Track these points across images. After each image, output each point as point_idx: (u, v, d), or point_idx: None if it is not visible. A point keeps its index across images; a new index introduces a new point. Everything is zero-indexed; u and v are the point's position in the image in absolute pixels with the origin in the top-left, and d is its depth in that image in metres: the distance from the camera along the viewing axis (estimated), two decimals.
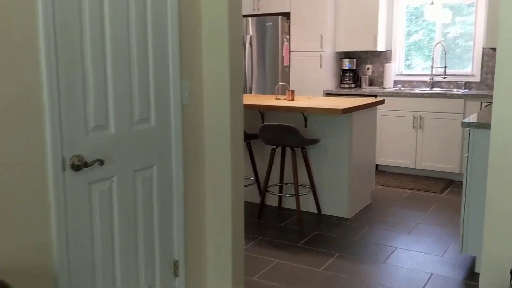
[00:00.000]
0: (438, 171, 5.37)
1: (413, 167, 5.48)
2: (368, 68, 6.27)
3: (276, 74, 5.96)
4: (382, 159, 5.66)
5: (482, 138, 2.96)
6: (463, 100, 5.11)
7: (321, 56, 5.88)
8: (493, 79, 5.52)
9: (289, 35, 6.04)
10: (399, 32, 6.03)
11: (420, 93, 5.32)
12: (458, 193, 4.87)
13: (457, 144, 5.19)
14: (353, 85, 6.19)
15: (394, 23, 6.02)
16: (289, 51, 6.06)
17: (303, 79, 6.06)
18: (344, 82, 6.21)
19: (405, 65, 6.15)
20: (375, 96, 5.61)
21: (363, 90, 5.86)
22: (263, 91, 6.06)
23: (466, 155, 3.08)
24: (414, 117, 5.39)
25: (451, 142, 5.22)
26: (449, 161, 5.26)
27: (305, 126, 4.19)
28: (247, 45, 6.05)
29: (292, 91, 4.43)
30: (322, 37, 5.84)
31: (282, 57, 5.96)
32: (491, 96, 4.95)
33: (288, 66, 6.10)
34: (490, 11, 5.15)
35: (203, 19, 2.42)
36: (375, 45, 5.83)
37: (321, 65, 5.90)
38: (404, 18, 6.02)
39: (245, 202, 4.62)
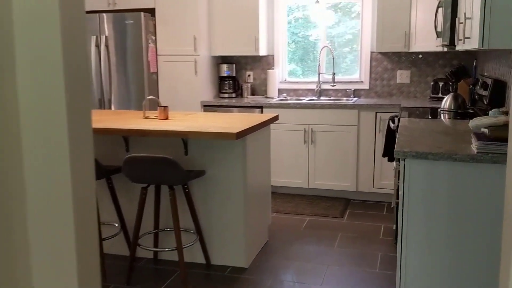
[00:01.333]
0: (333, 189, 4.80)
1: (307, 187, 4.83)
2: (249, 75, 5.50)
3: (142, 83, 4.87)
4: (274, 179, 4.92)
5: (421, 170, 2.29)
6: (356, 110, 4.59)
7: (195, 61, 4.95)
8: (382, 85, 5.12)
9: (155, 35, 5.00)
10: (281, 34, 5.36)
11: (311, 104, 4.68)
12: (359, 216, 4.32)
13: (352, 159, 4.65)
14: (233, 95, 5.37)
15: (276, 24, 5.34)
16: (156, 55, 5.02)
17: (175, 89, 5.07)
18: (224, 91, 5.36)
19: (289, 71, 5.51)
20: (261, 108, 4.85)
21: (246, 100, 5.06)
22: (126, 105, 4.92)
23: (399, 190, 2.40)
24: (305, 131, 4.74)
25: (346, 157, 4.67)
26: (344, 179, 4.71)
27: (186, 153, 3.23)
28: (102, 47, 4.86)
29: (165, 108, 3.42)
30: (195, 38, 4.91)
31: (148, 62, 4.89)
32: (387, 106, 4.49)
33: (156, 73, 5.05)
34: (379, 13, 4.71)
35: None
36: (257, 49, 5.07)
37: (196, 72, 4.97)
38: (285, 19, 5.37)
39: (109, 256, 3.49)
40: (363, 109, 4.58)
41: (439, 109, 3.87)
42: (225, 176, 3.19)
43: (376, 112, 4.56)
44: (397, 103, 4.50)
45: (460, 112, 3.69)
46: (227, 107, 4.94)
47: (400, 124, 3.12)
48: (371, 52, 5.10)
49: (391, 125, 3.69)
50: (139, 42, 4.79)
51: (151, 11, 4.97)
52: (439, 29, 3.52)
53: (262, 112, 4.84)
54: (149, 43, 4.88)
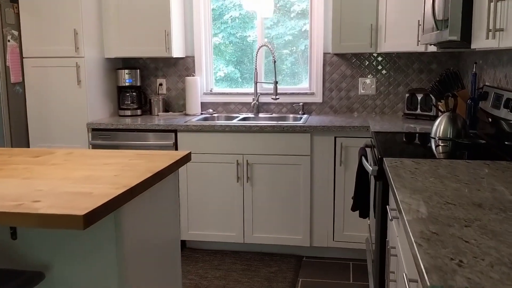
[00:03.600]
0: (279, 245, 3.45)
1: (242, 242, 3.45)
2: (161, 84, 4.05)
3: None
4: (192, 232, 3.50)
5: None
6: (308, 135, 3.27)
7: (77, 66, 3.43)
8: (339, 98, 3.84)
9: (19, 30, 3.44)
10: (204, 30, 3.96)
11: (245, 126, 3.31)
12: (314, 286, 3.00)
13: (304, 202, 3.34)
14: (138, 111, 3.90)
15: (196, 17, 3.92)
16: (20, 58, 3.46)
17: (49, 106, 3.53)
18: (125, 107, 3.87)
19: (217, 79, 4.11)
20: (174, 132, 3.42)
21: (155, 120, 3.61)
22: None
23: None
24: (237, 164, 3.36)
25: (295, 200, 3.35)
26: (294, 230, 3.38)
27: (13, 236, 1.75)
28: None
29: None
30: (76, 33, 3.40)
31: (7, 67, 3.33)
32: (350, 129, 3.20)
33: (22, 85, 3.49)
34: (336, 4, 3.42)
35: None
36: (169, 48, 3.64)
37: (79, 81, 3.45)
38: (209, 10, 3.97)
39: None
40: (318, 132, 3.27)
41: (431, 137, 2.63)
42: (81, 280, 1.73)
43: (335, 137, 3.27)
44: (363, 124, 3.23)
45: (466, 145, 2.45)
46: (126, 131, 3.46)
47: (389, 172, 1.82)
48: (325, 54, 3.81)
49: (366, 164, 2.38)
50: None
51: None
52: (439, 17, 2.28)
53: (176, 138, 3.41)
54: (9, 41, 3.31)
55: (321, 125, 3.24)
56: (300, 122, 3.37)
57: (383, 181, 2.15)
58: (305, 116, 3.74)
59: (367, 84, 3.79)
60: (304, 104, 3.87)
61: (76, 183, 1.72)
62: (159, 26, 3.61)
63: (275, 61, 3.71)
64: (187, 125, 3.37)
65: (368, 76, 3.79)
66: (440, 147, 2.44)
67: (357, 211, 2.63)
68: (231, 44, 4.00)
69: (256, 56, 3.81)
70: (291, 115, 3.81)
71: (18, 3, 3.38)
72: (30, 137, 3.54)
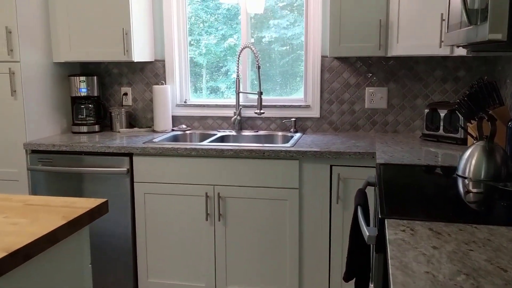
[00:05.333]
0: None
1: None
2: (125, 94, 3.35)
3: None
4: (153, 280, 2.79)
5: None
6: (297, 162, 2.53)
7: (12, 72, 2.76)
8: (341, 112, 3.09)
9: None
10: (177, 29, 3.25)
11: (216, 149, 2.59)
12: None
13: (291, 248, 2.60)
14: (96, 127, 3.21)
15: (166, 14, 3.22)
16: None
17: None
18: (80, 122, 3.19)
19: (193, 88, 3.40)
20: (130, 156, 2.72)
21: (112, 139, 2.92)
22: None
23: None
24: (207, 197, 2.65)
25: (280, 244, 2.62)
26: (278, 281, 2.65)
27: None
28: None
29: None
30: (9, 31, 2.73)
31: None
32: (349, 155, 2.45)
33: None
34: (335, 2, 2.68)
35: None
36: (128, 50, 2.94)
37: (14, 91, 2.78)
38: (182, 6, 3.26)
39: None
40: (309, 159, 2.53)
41: (458, 175, 1.86)
42: None
43: (331, 166, 2.52)
44: (368, 149, 2.48)
45: (508, 193, 1.69)
46: (70, 154, 2.77)
47: (390, 253, 1.09)
48: (323, 58, 3.07)
49: (362, 223, 1.62)
50: None
51: None
52: (473, 6, 1.53)
53: (131, 164, 2.71)
54: None
55: (313, 150, 2.50)
56: (287, 145, 2.63)
57: (384, 254, 1.41)
58: (297, 135, 3.00)
59: (376, 96, 3.03)
60: (298, 119, 3.14)
61: None
62: (116, 24, 2.92)
63: (259, 67, 2.97)
64: (144, 147, 2.66)
65: (378, 86, 3.03)
66: (471, 195, 1.68)
67: (353, 280, 1.88)
68: (234, 45, 3.24)
69: (238, 60, 3.09)
70: (280, 133, 3.08)
71: None
72: None
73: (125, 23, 2.91)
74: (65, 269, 1.46)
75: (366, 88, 3.04)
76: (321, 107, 3.11)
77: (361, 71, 3.03)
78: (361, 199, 1.81)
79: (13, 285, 1.22)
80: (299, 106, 3.13)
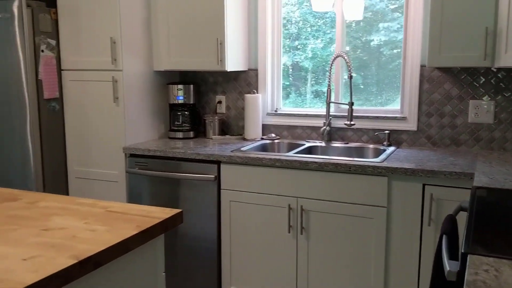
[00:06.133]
0: None
1: None
2: (219, 102, 3.43)
3: (23, 119, 2.96)
4: None
5: None
6: (386, 179, 2.39)
7: (115, 80, 2.96)
8: (440, 126, 2.87)
9: (57, 37, 3.07)
10: (271, 39, 3.26)
11: (302, 162, 2.54)
12: None
13: (377, 268, 2.46)
14: (191, 133, 3.33)
15: (260, 24, 3.24)
16: (57, 71, 3.09)
17: (85, 127, 3.11)
18: (176, 128, 3.33)
19: (298, 92, 3.38)
20: (218, 164, 2.77)
21: (204, 146, 3.00)
22: (8, 156, 3.05)
23: None
24: (290, 209, 2.61)
25: (364, 262, 2.49)
26: None
27: None
28: None
29: None
30: (114, 42, 2.92)
31: (39, 81, 2.97)
32: (445, 175, 2.26)
33: (59, 100, 3.12)
34: (436, 7, 2.49)
35: None
36: (222, 60, 3.00)
37: (116, 98, 2.98)
38: (279, 14, 3.26)
39: None
40: (400, 176, 2.38)
41: None
42: None
43: (424, 185, 2.34)
44: (466, 169, 2.26)
45: None
46: (163, 159, 2.90)
47: None
48: (422, 67, 2.88)
49: (444, 255, 1.46)
50: (14, 48, 2.88)
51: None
52: None
53: (219, 171, 2.76)
54: (42, 51, 2.95)
55: (403, 167, 2.34)
56: (376, 160, 2.50)
57: None
58: (390, 148, 2.84)
59: (481, 109, 2.77)
60: (392, 132, 2.97)
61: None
62: (211, 34, 3.00)
63: (351, 77, 2.86)
64: (231, 155, 2.70)
65: (484, 98, 2.76)
66: None
67: None
68: (352, 50, 3.16)
69: (330, 69, 3.01)
70: (372, 146, 2.94)
71: (56, 8, 3.02)
72: (68, 160, 3.16)
73: (220, 34, 2.97)
74: (137, 277, 1.51)
75: (470, 100, 2.79)
76: (418, 119, 2.91)
77: (465, 82, 2.79)
78: (448, 227, 1.64)
79: None
80: (395, 118, 2.96)
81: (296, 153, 2.78)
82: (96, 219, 1.55)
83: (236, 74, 3.34)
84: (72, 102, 3.09)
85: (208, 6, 2.98)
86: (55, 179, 3.11)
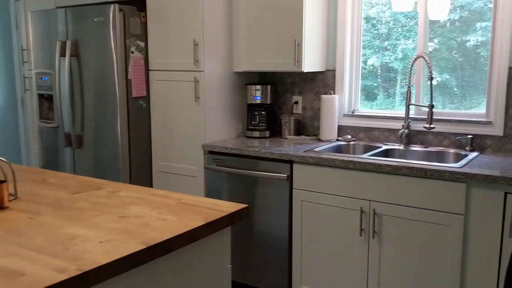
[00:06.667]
0: None
1: None
2: (296, 103, 3.47)
3: (115, 115, 3.20)
4: (305, 287, 2.85)
5: None
6: (464, 185, 2.29)
7: (196, 81, 3.11)
8: None
9: (146, 39, 3.28)
10: (350, 40, 3.24)
11: (376, 164, 2.50)
12: None
13: (452, 278, 2.35)
14: (267, 133, 3.40)
15: (340, 24, 3.23)
16: (144, 70, 3.30)
17: (168, 125, 3.30)
18: (253, 128, 3.42)
19: (362, 98, 3.34)
20: (290, 163, 2.81)
21: (278, 146, 3.05)
22: (101, 147, 3.31)
23: None
24: (362, 212, 2.58)
25: (439, 271, 2.39)
26: None
27: None
28: (68, 58, 3.30)
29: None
30: (196, 44, 3.07)
31: (129, 81, 3.20)
32: None
33: (146, 99, 3.33)
34: None
35: None
36: (299, 61, 3.04)
37: (197, 97, 3.13)
38: (357, 17, 3.22)
39: None
40: (479, 183, 2.26)
41: None
42: None
43: (505, 193, 2.21)
44: None
45: None
46: (238, 157, 2.99)
47: None
48: (510, 69, 2.71)
49: None
50: (108, 50, 3.13)
51: (139, 3, 3.27)
52: None
53: (291, 171, 2.80)
54: (132, 52, 3.18)
55: (483, 174, 2.22)
56: (455, 166, 2.39)
57: None
58: (473, 154, 2.71)
59: None
60: (476, 136, 2.82)
61: (40, 249, 1.29)
62: (289, 36, 3.04)
63: (431, 78, 2.76)
64: (303, 155, 2.72)
65: None
66: None
67: None
68: (447, 50, 3.07)
69: (411, 70, 2.92)
70: (452, 151, 2.81)
71: (146, 12, 3.23)
72: (152, 155, 3.37)
73: (298, 35, 3.01)
74: (204, 267, 1.59)
75: None
76: (505, 124, 2.74)
77: None
78: None
79: (153, 275, 1.39)
80: (479, 122, 2.81)
81: (371, 155, 2.74)
82: (168, 209, 1.66)
83: (313, 75, 3.36)
84: (158, 100, 3.29)
85: (287, 7, 3.03)
86: (140, 172, 3.33)
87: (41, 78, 3.54)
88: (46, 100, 3.59)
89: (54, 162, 3.59)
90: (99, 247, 1.31)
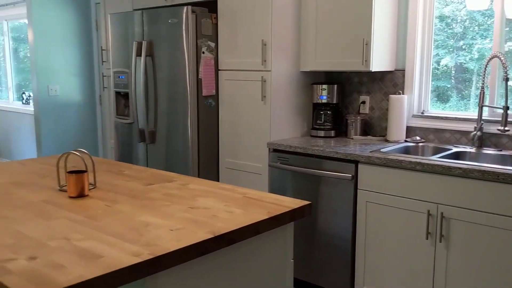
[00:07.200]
0: None
1: None
2: (363, 102, 3.44)
3: (185, 113, 3.33)
4: None
5: None
6: None
7: (263, 80, 3.17)
8: None
9: (217, 40, 3.39)
10: (421, 39, 3.16)
11: (445, 166, 2.43)
12: None
13: None
14: (332, 133, 3.39)
15: (411, 23, 3.16)
16: (215, 70, 3.41)
17: (235, 123, 3.38)
18: (318, 127, 3.43)
19: (434, 99, 3.25)
20: (356, 163, 2.79)
21: (344, 145, 3.05)
22: (173, 143, 3.47)
23: None
24: (429, 214, 2.52)
25: (507, 272, 2.30)
26: None
27: None
28: (143, 58, 3.48)
29: (80, 175, 1.80)
30: (264, 44, 3.13)
31: (200, 79, 3.33)
32: None
33: (215, 98, 3.44)
34: None
35: None
36: (367, 60, 3.01)
37: (263, 97, 3.19)
38: (429, 15, 3.14)
39: None
40: None
41: None
42: None
43: None
44: None
45: None
46: (302, 156, 3.02)
47: None
48: None
49: None
50: (180, 50, 3.27)
51: (210, 4, 3.39)
52: None
53: (356, 171, 2.79)
54: (203, 52, 3.30)
55: None
56: None
57: None
58: None
59: None
60: None
61: (115, 235, 1.40)
62: (357, 35, 3.02)
63: (507, 79, 2.64)
64: (369, 156, 2.70)
65: None
66: None
67: None
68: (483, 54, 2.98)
69: (485, 70, 2.81)
70: None
71: (217, 13, 3.34)
72: (220, 151, 3.48)
73: (366, 34, 2.99)
74: (267, 260, 1.64)
75: None
76: None
77: None
78: None
79: (218, 264, 1.46)
80: None
81: (440, 157, 2.66)
82: (234, 202, 1.73)
83: (381, 75, 3.31)
84: (226, 99, 3.39)
85: (356, 7, 3.01)
86: (208, 168, 3.45)
87: (119, 77, 3.76)
88: (122, 98, 3.80)
89: (128, 155, 3.80)
90: (170, 234, 1.39)
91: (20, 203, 1.72)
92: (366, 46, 2.99)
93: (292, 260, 1.76)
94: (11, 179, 2.08)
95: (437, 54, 3.20)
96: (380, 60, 3.09)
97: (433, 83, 3.22)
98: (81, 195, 1.80)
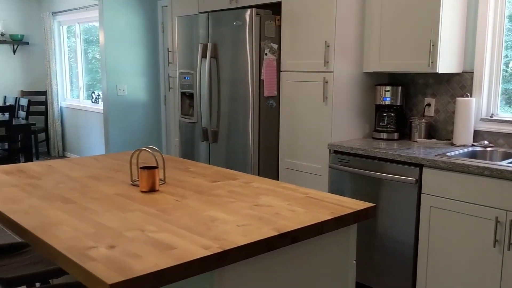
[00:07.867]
0: None
1: None
2: (428, 105, 3.36)
3: (246, 113, 3.40)
4: None
5: None
6: None
7: (325, 81, 3.17)
8: None
9: (279, 42, 3.43)
10: (491, 40, 3.05)
11: None
12: None
13: None
14: (395, 135, 3.34)
15: (480, 23, 3.05)
16: (277, 72, 3.45)
17: (295, 124, 3.40)
18: (380, 129, 3.38)
19: (502, 102, 3.12)
20: (420, 167, 2.74)
21: (408, 149, 3.00)
22: (234, 142, 3.55)
23: None
24: (497, 221, 2.43)
25: None
26: None
27: None
28: (208, 59, 3.58)
29: (152, 171, 1.90)
30: (327, 45, 3.13)
31: (262, 81, 3.38)
32: None
33: (275, 99, 3.49)
34: None
35: None
36: (433, 62, 2.94)
37: (325, 98, 3.19)
38: (501, 15, 3.02)
39: None
40: None
41: None
42: None
43: None
44: None
45: None
46: (364, 158, 2.99)
47: None
48: None
49: None
50: (244, 51, 3.33)
51: (274, 6, 3.43)
52: None
53: (420, 175, 2.73)
54: (266, 54, 3.35)
55: None
56: None
57: None
58: None
59: None
60: None
61: (186, 228, 1.46)
62: (424, 36, 2.96)
63: None
64: (434, 160, 2.64)
65: None
66: None
67: None
68: None
69: None
70: None
71: (280, 15, 3.38)
72: (280, 151, 3.52)
73: (433, 35, 2.92)
74: (330, 260, 1.66)
75: None
76: None
77: None
78: None
79: (282, 261, 1.49)
80: None
81: (510, 163, 2.56)
82: (296, 201, 1.76)
83: (448, 76, 3.22)
84: (287, 100, 3.42)
85: (423, 6, 2.95)
86: (268, 167, 3.50)
87: (184, 78, 3.89)
88: (187, 98, 3.93)
89: (191, 153, 3.93)
90: (237, 230, 1.45)
91: (97, 195, 1.84)
92: (433, 47, 2.92)
93: (354, 262, 1.77)
94: (87, 173, 2.22)
95: (506, 56, 3.08)
96: (447, 62, 3.01)
97: (502, 85, 3.09)
98: (152, 190, 1.90)
